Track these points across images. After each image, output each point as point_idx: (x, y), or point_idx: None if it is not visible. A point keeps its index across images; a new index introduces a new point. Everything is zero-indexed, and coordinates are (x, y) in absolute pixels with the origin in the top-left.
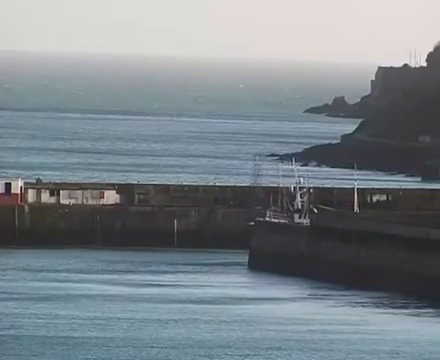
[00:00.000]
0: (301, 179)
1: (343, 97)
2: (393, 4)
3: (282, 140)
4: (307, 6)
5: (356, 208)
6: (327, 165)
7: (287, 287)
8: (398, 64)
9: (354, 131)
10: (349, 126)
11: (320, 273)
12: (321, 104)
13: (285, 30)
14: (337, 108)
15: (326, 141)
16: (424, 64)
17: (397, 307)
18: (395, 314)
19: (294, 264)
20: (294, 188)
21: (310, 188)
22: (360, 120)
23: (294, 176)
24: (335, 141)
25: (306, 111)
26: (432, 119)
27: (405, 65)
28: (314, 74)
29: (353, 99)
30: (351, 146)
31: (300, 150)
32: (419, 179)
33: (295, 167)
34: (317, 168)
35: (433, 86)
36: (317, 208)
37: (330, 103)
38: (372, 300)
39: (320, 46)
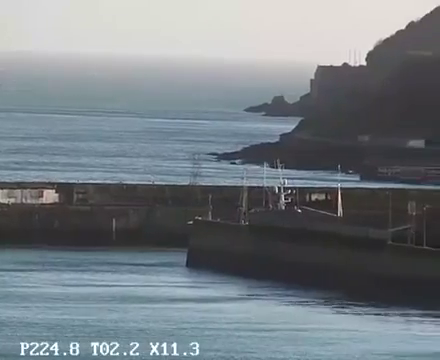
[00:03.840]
0: (285, 180)
1: (282, 96)
2: (333, 3)
3: (221, 139)
4: (247, 5)
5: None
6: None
7: (225, 287)
8: (338, 63)
9: (293, 130)
10: (288, 125)
11: (259, 272)
12: (260, 103)
13: (221, 29)
14: (276, 107)
15: (265, 140)
16: (364, 63)
17: (337, 306)
18: (332, 313)
19: (233, 263)
20: (278, 189)
21: (294, 188)
22: (299, 119)
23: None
24: (274, 140)
25: (245, 110)
26: (371, 119)
27: (345, 64)
28: (253, 73)
29: (293, 98)
30: (290, 145)
31: (239, 149)
32: (358, 178)
33: (280, 169)
34: (256, 167)
35: (373, 85)
36: (301, 209)
37: (269, 102)
38: (312, 299)
39: (259, 46)
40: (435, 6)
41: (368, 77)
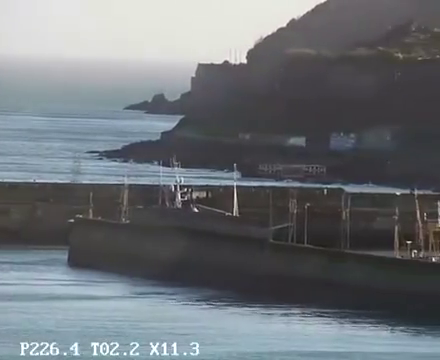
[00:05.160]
0: (182, 179)
1: (163, 94)
2: (213, 1)
3: (102, 138)
4: (135, 4)
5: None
6: (146, 162)
7: (106, 285)
8: (218, 61)
9: (174, 128)
10: (169, 123)
11: (140, 271)
12: (141, 101)
13: (105, 28)
14: (157, 105)
15: (146, 138)
16: (244, 61)
17: (216, 305)
18: (206, 310)
19: (113, 262)
20: (174, 187)
21: (191, 187)
22: (180, 117)
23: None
24: (155, 138)
25: (126, 108)
26: (252, 117)
27: (225, 62)
28: (134, 72)
29: (174, 96)
30: (171, 143)
31: (120, 147)
32: (239, 176)
33: (177, 167)
34: (136, 165)
35: (253, 83)
36: (197, 208)
37: (150, 100)
38: (188, 297)
39: (140, 45)
40: (315, 4)
41: (249, 75)
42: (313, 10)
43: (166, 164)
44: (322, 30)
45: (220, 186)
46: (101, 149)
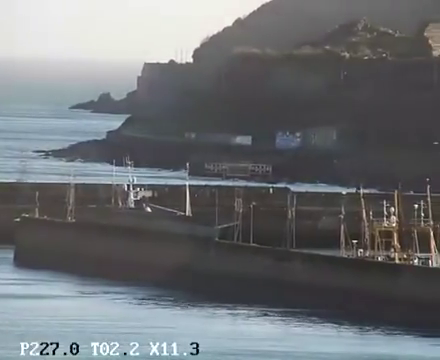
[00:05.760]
0: (134, 178)
1: (109, 93)
2: (160, 1)
3: (48, 137)
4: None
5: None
6: (93, 161)
7: (51, 284)
8: (164, 60)
9: (120, 127)
10: (115, 122)
11: (85, 269)
12: (87, 100)
13: (49, 26)
14: (103, 104)
15: (92, 137)
16: (190, 60)
17: (162, 304)
18: (151, 309)
19: (59, 260)
20: (127, 187)
21: (143, 186)
22: (126, 116)
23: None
24: (101, 137)
25: (72, 107)
26: (197, 116)
27: (171, 61)
28: (80, 71)
29: (120, 96)
30: (117, 142)
31: (66, 146)
32: (185, 175)
33: (130, 167)
34: (83, 164)
35: (199, 82)
36: (150, 207)
37: (96, 100)
38: (134, 296)
39: (85, 44)
40: (261, 4)
41: (195, 74)
42: (259, 9)
43: (112, 163)
44: (268, 29)
45: (166, 185)
46: (47, 148)
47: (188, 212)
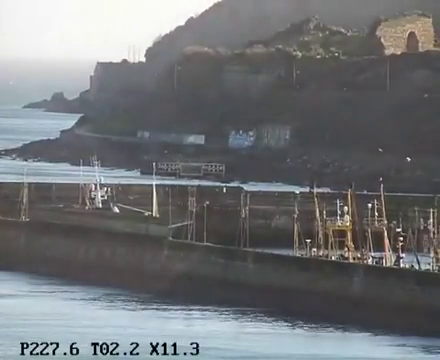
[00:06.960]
0: (102, 178)
1: (62, 93)
2: (114, 0)
3: (1, 136)
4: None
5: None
6: (46, 160)
7: (4, 283)
8: (117, 59)
9: (73, 127)
10: (68, 121)
11: (39, 268)
12: (40, 100)
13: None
14: (56, 104)
15: (45, 137)
16: (143, 59)
17: (114, 304)
18: (103, 309)
19: (11, 260)
20: (94, 186)
21: (109, 186)
22: (79, 115)
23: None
24: (54, 136)
25: (25, 107)
26: (150, 115)
27: (124, 60)
28: (32, 70)
29: (73, 95)
30: (70, 141)
31: (19, 145)
32: (138, 174)
33: (97, 166)
34: (36, 163)
35: (151, 81)
36: (118, 207)
37: (49, 99)
38: (86, 296)
39: (38, 43)
40: (214, 2)
41: (147, 73)
42: (211, 8)
43: (76, 164)
44: (220, 28)
45: (119, 184)
46: (0, 147)
47: (155, 212)
